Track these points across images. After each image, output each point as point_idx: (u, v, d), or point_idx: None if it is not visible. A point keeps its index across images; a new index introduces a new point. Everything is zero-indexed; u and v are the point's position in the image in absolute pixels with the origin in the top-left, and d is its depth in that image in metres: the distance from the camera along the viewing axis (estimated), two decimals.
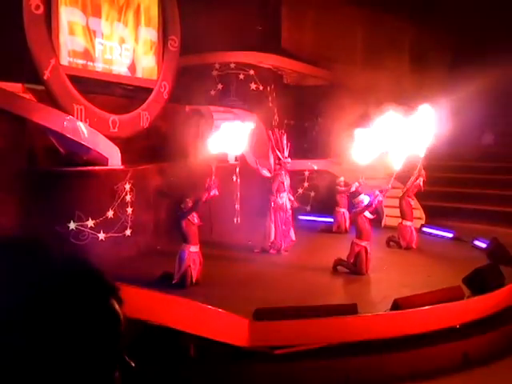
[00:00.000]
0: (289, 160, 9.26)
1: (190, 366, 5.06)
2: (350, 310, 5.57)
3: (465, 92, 12.92)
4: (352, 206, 8.71)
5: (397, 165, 8.65)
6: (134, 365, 0.74)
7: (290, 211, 9.29)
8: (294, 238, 9.33)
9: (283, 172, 9.19)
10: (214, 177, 7.34)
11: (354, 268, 7.88)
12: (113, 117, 10.01)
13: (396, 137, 8.43)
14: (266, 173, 9.31)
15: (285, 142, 9.26)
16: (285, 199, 9.14)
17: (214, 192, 7.36)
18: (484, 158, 13.49)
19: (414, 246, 9.73)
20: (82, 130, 8.59)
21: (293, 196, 9.55)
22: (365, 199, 8.10)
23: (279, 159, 9.19)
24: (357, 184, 9.76)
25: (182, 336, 5.07)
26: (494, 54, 13.25)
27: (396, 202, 10.38)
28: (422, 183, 9.96)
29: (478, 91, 13.42)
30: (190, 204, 7.10)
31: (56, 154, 8.83)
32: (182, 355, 5.08)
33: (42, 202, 7.88)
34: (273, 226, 9.07)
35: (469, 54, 14.80)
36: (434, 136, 8.92)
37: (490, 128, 14.52)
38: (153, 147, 10.55)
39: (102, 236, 8.26)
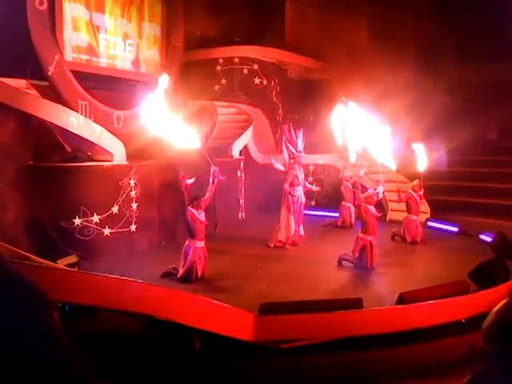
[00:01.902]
0: (302, 154, 9.32)
1: (195, 360, 5.07)
2: (355, 304, 5.57)
3: (470, 86, 12.87)
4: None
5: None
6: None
7: (303, 206, 9.34)
8: (302, 233, 9.35)
9: (297, 166, 9.24)
10: (213, 165, 7.18)
11: (359, 262, 7.87)
12: (117, 112, 10.02)
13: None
14: (279, 166, 9.36)
15: (301, 136, 9.32)
16: (299, 193, 9.18)
17: (219, 178, 7.21)
18: (489, 151, 13.43)
19: (419, 240, 9.71)
20: (86, 125, 8.61)
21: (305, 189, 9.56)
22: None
23: (293, 153, 9.24)
24: (363, 170, 9.83)
25: (187, 330, 5.08)
26: (498, 46, 13.19)
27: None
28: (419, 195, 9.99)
29: (484, 85, 13.35)
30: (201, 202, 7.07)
31: (61, 149, 8.85)
32: (186, 349, 5.10)
33: (48, 198, 7.91)
34: (292, 218, 9.09)
35: (473, 46, 14.70)
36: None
37: (494, 122, 14.43)
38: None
39: (107, 231, 8.29)
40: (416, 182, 10.04)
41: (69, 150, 8.86)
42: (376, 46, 13.22)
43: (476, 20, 15.14)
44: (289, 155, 9.33)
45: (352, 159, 9.25)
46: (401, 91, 11.95)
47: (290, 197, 9.11)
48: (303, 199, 9.30)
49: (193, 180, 7.02)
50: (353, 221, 10.87)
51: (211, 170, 7.19)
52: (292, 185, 9.15)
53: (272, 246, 9.10)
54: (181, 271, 6.96)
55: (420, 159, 10.09)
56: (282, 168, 9.34)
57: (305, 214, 9.59)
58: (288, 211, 9.12)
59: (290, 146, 9.27)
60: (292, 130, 9.37)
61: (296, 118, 14.03)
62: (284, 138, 9.51)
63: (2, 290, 0.83)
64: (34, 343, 0.81)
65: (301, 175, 9.30)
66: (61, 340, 0.85)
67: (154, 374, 4.86)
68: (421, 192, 10.04)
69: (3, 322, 0.80)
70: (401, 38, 15.13)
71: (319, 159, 13.10)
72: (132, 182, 8.65)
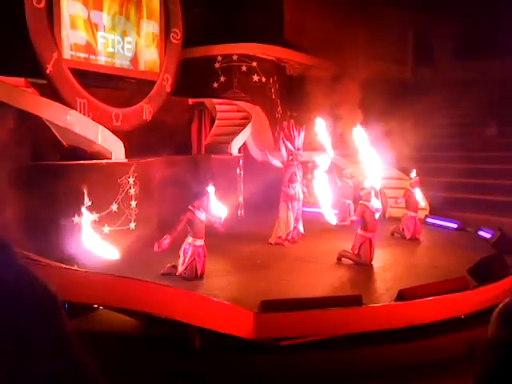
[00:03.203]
0: (301, 152, 9.31)
1: (195, 358, 5.07)
2: (355, 301, 5.57)
3: (468, 82, 12.84)
4: (359, 197, 8.71)
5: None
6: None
7: (301, 203, 9.35)
8: (302, 230, 9.34)
9: (296, 163, 9.24)
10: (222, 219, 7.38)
11: (358, 259, 7.89)
12: (116, 110, 10.00)
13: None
14: (277, 163, 9.36)
15: (303, 133, 9.31)
16: (297, 189, 9.18)
17: (218, 228, 7.39)
18: (488, 148, 13.43)
19: (418, 236, 9.73)
20: (85, 123, 8.59)
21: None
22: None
23: (291, 151, 9.23)
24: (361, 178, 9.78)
25: (187, 328, 5.09)
26: (498, 43, 13.17)
27: (400, 193, 10.37)
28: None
29: (482, 81, 13.34)
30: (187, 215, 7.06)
31: (60, 148, 8.84)
32: (187, 347, 5.10)
33: (46, 196, 7.89)
34: (291, 214, 9.09)
35: (472, 44, 14.69)
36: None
37: (493, 118, 14.43)
38: (156, 140, 10.55)
39: (106, 229, 8.28)
40: (415, 178, 10.04)
41: (67, 148, 8.84)
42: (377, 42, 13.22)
43: (475, 16, 15.14)
44: (287, 152, 9.32)
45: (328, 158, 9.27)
46: (398, 88, 11.94)
47: (288, 194, 9.11)
48: (301, 196, 9.30)
49: (168, 240, 6.97)
50: None
51: (220, 220, 7.39)
52: (290, 182, 9.15)
53: (273, 243, 9.11)
54: (180, 269, 6.97)
55: (419, 199, 10.09)
56: (280, 165, 9.35)
57: (303, 211, 9.60)
58: (287, 208, 9.13)
59: (289, 144, 9.25)
60: (293, 127, 9.35)
61: (295, 116, 14.03)
62: (282, 135, 9.50)
63: (16, 290, 0.86)
64: (44, 343, 0.82)
65: (299, 173, 9.29)
66: (70, 340, 0.87)
67: (154, 373, 4.86)
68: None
69: (15, 320, 0.82)
70: (401, 32, 15.13)
71: (317, 156, 13.07)
72: (131, 180, 8.64)
